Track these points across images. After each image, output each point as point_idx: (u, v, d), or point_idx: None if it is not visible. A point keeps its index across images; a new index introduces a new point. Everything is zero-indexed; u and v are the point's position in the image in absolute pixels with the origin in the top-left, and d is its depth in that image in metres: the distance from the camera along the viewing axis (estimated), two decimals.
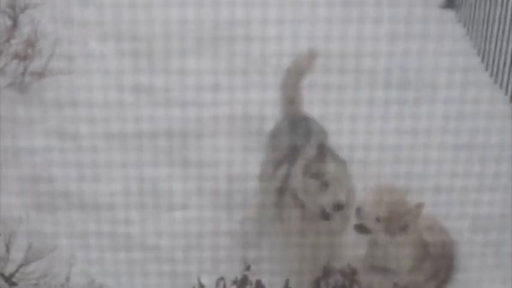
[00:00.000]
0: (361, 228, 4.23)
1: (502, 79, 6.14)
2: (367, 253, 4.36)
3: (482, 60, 6.42)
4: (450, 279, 4.46)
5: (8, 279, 4.19)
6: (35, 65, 6.08)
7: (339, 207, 4.16)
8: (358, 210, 4.21)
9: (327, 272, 4.10)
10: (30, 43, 6.13)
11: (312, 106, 4.79)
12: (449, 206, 4.66)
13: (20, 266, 4.24)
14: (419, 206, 4.21)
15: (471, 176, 4.83)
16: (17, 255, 4.27)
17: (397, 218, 4.17)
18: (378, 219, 4.18)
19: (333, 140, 4.58)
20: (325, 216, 4.22)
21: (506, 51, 6.04)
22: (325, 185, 4.19)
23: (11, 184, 4.92)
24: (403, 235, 4.18)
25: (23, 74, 6.09)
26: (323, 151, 4.24)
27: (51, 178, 5.03)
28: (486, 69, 6.31)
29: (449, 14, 6.96)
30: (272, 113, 4.96)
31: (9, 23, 6.36)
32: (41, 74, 6.07)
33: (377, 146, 4.87)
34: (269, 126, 4.95)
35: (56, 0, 6.27)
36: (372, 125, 5.10)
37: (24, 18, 6.36)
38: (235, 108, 5.43)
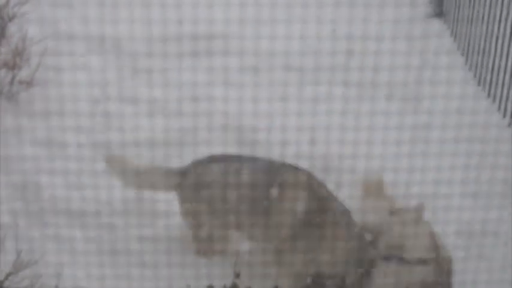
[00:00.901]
0: None
1: (485, 80, 6.43)
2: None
3: (466, 62, 6.72)
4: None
5: None
6: (23, 74, 6.29)
7: None
8: None
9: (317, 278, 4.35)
10: (18, 52, 6.33)
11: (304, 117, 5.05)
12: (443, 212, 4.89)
13: (9, 274, 4.43)
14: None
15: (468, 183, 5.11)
16: (5, 262, 4.46)
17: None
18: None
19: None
20: None
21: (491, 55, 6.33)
22: None
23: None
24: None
25: (11, 83, 6.28)
26: None
27: (39, 185, 5.24)
28: (472, 73, 6.63)
29: (437, 23, 7.27)
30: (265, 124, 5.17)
31: None
32: (29, 83, 6.28)
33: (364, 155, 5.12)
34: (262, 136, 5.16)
35: (44, 10, 6.31)
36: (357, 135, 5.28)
37: (12, 27, 6.55)
38: (229, 118, 5.65)
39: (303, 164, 4.78)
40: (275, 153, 5.18)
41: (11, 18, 6.60)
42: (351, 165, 5.14)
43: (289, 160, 4.75)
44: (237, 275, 4.18)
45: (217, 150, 4.92)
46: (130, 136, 5.39)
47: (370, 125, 5.21)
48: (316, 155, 5.29)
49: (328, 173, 5.04)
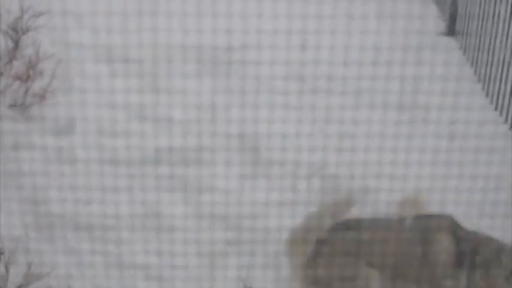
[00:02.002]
0: None
1: (503, 105, 6.63)
2: None
3: (483, 88, 6.96)
4: None
5: None
6: (36, 86, 6.56)
7: None
8: None
9: None
10: (32, 65, 6.62)
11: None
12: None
13: (20, 286, 4.63)
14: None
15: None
16: (16, 274, 4.67)
17: None
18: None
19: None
20: None
21: (507, 78, 6.53)
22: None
23: (12, 205, 5.34)
24: None
25: (25, 95, 6.55)
26: None
27: (48, 200, 5.42)
28: (486, 95, 6.85)
29: (450, 41, 7.55)
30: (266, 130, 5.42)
31: (11, 44, 6.87)
32: (42, 96, 6.55)
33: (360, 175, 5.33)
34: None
35: (57, 23, 6.64)
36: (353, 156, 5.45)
37: (25, 40, 6.87)
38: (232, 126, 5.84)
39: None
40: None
41: (25, 31, 6.87)
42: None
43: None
44: None
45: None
46: (137, 153, 5.66)
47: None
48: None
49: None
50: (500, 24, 6.67)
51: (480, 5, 7.13)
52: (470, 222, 4.84)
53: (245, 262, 4.98)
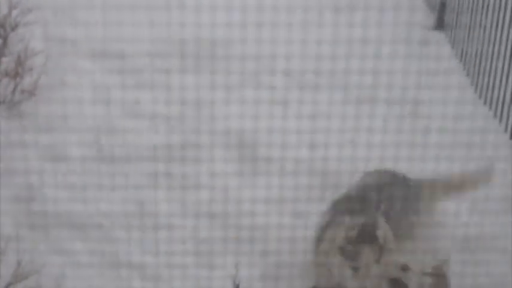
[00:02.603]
0: None
1: (492, 98, 6.65)
2: None
3: (472, 82, 6.95)
4: None
5: None
6: (26, 83, 6.49)
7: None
8: None
9: None
10: (21, 61, 6.53)
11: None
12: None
13: (9, 284, 4.61)
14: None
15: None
16: (6, 272, 4.65)
17: None
18: None
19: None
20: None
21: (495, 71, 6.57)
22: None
23: (4, 204, 5.34)
24: None
25: (13, 92, 6.48)
26: None
27: (43, 199, 5.43)
28: (475, 91, 6.85)
29: (439, 35, 7.52)
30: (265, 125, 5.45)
31: None
32: (31, 93, 6.49)
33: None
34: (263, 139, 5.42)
35: (46, 19, 6.66)
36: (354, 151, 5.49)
37: (14, 36, 6.76)
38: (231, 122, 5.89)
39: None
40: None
41: (13, 28, 6.77)
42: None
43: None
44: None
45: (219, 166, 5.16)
46: (133, 150, 5.63)
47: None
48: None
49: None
50: (490, 17, 6.71)
51: None
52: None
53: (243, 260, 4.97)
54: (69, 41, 6.78)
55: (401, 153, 5.07)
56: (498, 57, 6.48)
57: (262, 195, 5.28)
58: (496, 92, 6.55)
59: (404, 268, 4.55)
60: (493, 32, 6.62)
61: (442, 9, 7.75)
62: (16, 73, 6.51)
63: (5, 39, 6.80)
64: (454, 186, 5.14)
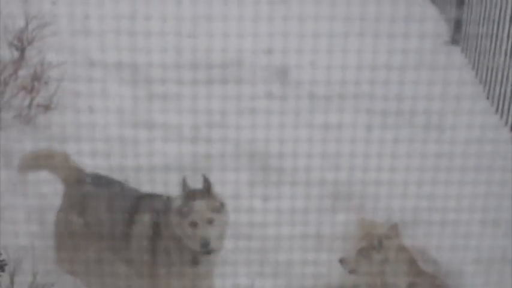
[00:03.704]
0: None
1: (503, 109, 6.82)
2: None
3: (488, 97, 7.12)
4: None
5: None
6: (41, 97, 6.68)
7: (206, 246, 4.75)
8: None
9: None
10: (37, 76, 6.74)
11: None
12: (452, 239, 5.16)
13: None
14: (394, 226, 4.90)
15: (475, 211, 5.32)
16: (21, 282, 4.80)
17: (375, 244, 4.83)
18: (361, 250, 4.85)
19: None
20: (194, 261, 4.84)
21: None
22: (193, 225, 4.80)
23: (18, 214, 5.41)
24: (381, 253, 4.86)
25: (29, 106, 6.66)
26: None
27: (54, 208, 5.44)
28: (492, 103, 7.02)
29: (455, 50, 7.68)
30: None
31: (16, 55, 6.99)
32: (47, 107, 6.68)
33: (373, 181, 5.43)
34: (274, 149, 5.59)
35: (63, 33, 6.77)
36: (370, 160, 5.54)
37: (31, 50, 7.00)
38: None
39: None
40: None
41: (30, 42, 7.02)
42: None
43: None
44: None
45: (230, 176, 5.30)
46: (145, 161, 5.69)
47: None
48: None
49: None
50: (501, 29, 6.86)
51: (484, 10, 7.30)
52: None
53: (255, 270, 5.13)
54: (84, 56, 6.96)
55: (413, 163, 5.21)
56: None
57: (274, 205, 5.40)
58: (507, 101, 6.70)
59: None
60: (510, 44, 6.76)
61: (458, 22, 7.92)
62: (32, 87, 6.69)
63: (22, 53, 7.03)
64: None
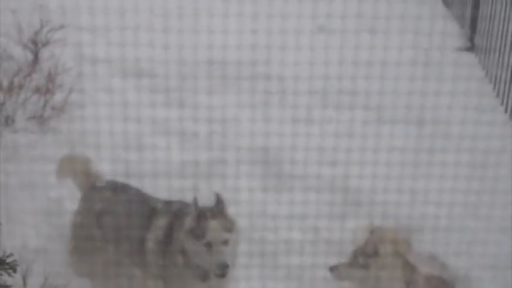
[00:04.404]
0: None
1: None
2: None
3: (502, 103, 7.31)
4: None
5: None
6: (55, 99, 6.80)
7: (223, 268, 4.70)
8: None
9: None
10: (51, 78, 6.85)
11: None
12: (457, 244, 5.32)
13: None
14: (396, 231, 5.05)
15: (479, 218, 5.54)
16: (33, 285, 4.79)
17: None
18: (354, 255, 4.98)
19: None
20: (205, 277, 4.81)
21: None
22: (208, 246, 4.73)
23: (27, 217, 5.60)
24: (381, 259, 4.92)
25: (43, 108, 6.78)
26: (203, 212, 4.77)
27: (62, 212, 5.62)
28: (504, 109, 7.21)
29: (470, 56, 7.89)
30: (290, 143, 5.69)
31: (30, 57, 7.13)
32: (60, 109, 6.79)
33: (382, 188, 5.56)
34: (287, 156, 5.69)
35: (76, 37, 6.89)
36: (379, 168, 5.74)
37: (45, 53, 7.15)
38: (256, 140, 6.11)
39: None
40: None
41: (44, 44, 7.16)
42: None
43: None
44: None
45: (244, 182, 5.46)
46: (161, 167, 5.86)
47: None
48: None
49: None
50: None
51: (499, 20, 7.48)
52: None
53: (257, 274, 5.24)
54: (97, 59, 6.99)
55: (420, 171, 5.40)
56: None
57: (286, 210, 5.56)
58: None
59: None
60: None
61: (473, 31, 8.13)
62: (46, 90, 6.80)
63: (36, 55, 7.17)
64: None
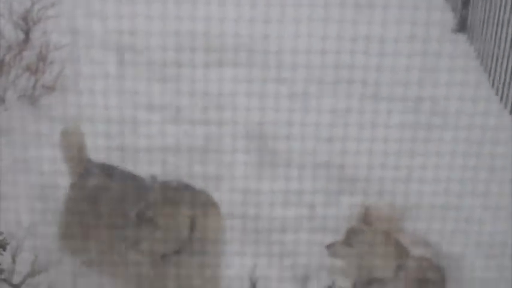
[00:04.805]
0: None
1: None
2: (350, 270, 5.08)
3: (493, 85, 7.31)
4: None
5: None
6: (46, 78, 6.75)
7: None
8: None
9: None
10: (42, 56, 6.79)
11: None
12: (454, 223, 5.28)
13: (27, 276, 4.74)
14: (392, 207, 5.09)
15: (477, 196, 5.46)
16: (23, 264, 4.78)
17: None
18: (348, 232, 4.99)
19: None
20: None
21: None
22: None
23: (19, 191, 5.46)
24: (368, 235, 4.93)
25: (34, 87, 6.73)
26: None
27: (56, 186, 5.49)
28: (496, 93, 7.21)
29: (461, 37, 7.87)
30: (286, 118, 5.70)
31: (21, 35, 7.06)
32: (51, 88, 6.74)
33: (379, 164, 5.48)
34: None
35: (68, 13, 6.85)
36: (375, 144, 5.61)
37: (36, 31, 7.07)
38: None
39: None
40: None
41: (35, 23, 7.08)
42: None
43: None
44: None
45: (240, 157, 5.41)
46: (156, 142, 5.78)
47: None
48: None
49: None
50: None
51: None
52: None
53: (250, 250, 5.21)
54: (89, 34, 7.06)
55: (417, 148, 5.37)
56: None
57: (282, 186, 5.47)
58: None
59: None
60: None
61: (465, 10, 8.11)
62: (37, 68, 6.75)
63: (27, 33, 7.09)
64: None
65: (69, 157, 5.31)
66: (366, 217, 5.01)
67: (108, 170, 5.23)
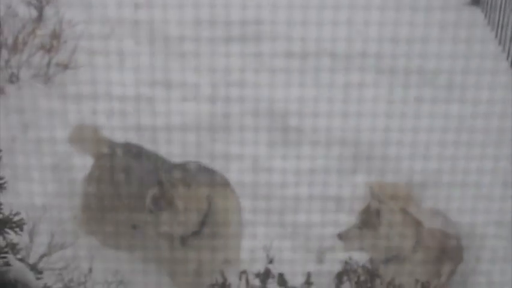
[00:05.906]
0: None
1: None
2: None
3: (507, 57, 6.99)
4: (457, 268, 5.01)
5: (33, 267, 4.37)
6: (60, 57, 6.64)
7: None
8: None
9: None
10: (55, 35, 6.69)
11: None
12: (463, 201, 5.15)
13: (43, 255, 4.68)
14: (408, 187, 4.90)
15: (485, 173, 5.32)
16: (40, 244, 4.73)
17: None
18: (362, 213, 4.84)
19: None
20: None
21: None
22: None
23: (33, 173, 5.43)
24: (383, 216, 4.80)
25: (48, 65, 6.64)
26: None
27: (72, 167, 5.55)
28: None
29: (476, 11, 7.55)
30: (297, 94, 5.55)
31: (34, 14, 6.99)
32: (65, 66, 6.63)
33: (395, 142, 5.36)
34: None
35: None
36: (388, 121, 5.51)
37: (50, 9, 6.99)
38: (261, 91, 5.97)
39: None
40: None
41: (48, 1, 7.02)
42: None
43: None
44: (270, 261, 4.43)
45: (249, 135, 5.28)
46: (161, 120, 5.68)
47: None
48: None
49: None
50: None
51: None
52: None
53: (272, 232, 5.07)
54: (101, 15, 6.80)
55: (436, 123, 5.18)
56: None
57: (293, 165, 5.37)
58: None
59: None
60: None
61: None
62: (51, 46, 6.66)
63: (41, 12, 7.02)
64: None
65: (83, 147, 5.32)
66: (381, 196, 4.86)
67: (131, 150, 5.19)
